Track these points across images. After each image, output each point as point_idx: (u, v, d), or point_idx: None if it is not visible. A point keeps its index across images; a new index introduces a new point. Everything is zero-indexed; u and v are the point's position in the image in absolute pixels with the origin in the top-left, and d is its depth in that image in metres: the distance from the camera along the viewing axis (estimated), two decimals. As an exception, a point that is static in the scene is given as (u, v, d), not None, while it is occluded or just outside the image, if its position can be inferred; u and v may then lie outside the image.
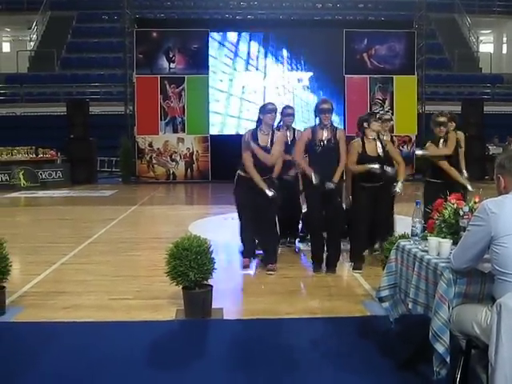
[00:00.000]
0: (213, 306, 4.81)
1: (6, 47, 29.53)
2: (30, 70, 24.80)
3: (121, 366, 3.79)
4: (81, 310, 4.97)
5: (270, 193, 5.99)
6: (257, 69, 18.00)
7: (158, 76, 17.58)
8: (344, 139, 6.18)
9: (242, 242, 6.60)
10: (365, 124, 6.34)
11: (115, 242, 8.12)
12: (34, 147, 16.61)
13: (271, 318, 4.80)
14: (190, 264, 4.53)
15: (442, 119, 6.57)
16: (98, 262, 6.82)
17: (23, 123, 20.61)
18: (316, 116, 6.23)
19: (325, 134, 6.13)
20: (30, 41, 26.24)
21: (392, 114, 17.87)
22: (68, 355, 3.98)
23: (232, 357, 4.02)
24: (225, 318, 4.79)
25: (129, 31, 18.04)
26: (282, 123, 7.34)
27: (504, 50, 30.36)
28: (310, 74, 17.98)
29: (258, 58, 18.00)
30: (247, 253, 6.58)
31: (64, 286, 5.75)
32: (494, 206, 2.87)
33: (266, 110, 6.18)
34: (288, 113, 7.45)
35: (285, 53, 18.05)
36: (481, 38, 29.50)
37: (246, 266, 6.48)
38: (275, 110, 6.26)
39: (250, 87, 17.79)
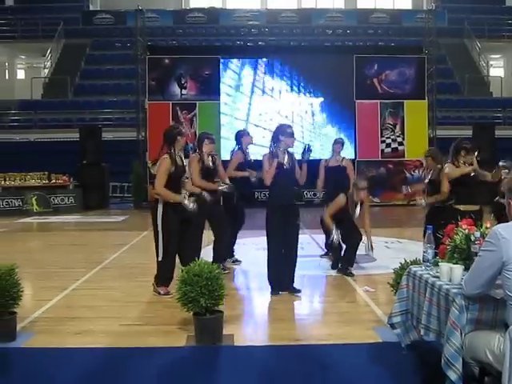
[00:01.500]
0: (224, 332, 4.80)
1: (21, 74, 29.93)
2: (43, 97, 25.11)
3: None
4: (91, 335, 4.96)
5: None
6: (269, 95, 18.09)
7: (170, 102, 17.73)
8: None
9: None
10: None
11: (126, 267, 8.13)
12: (46, 173, 16.74)
13: (282, 345, 4.76)
14: (201, 290, 4.52)
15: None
16: (109, 288, 6.82)
17: (36, 149, 20.79)
18: (276, 140, 6.30)
19: (286, 158, 6.28)
20: (45, 68, 26.60)
21: (403, 138, 17.91)
22: (79, 381, 3.98)
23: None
24: (235, 344, 4.77)
25: (141, 58, 18.26)
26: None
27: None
28: (322, 99, 18.07)
29: (269, 84, 18.11)
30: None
31: (75, 311, 5.75)
32: (505, 231, 2.86)
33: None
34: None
35: (296, 79, 18.16)
36: (491, 62, 29.56)
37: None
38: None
39: (264, 114, 17.86)
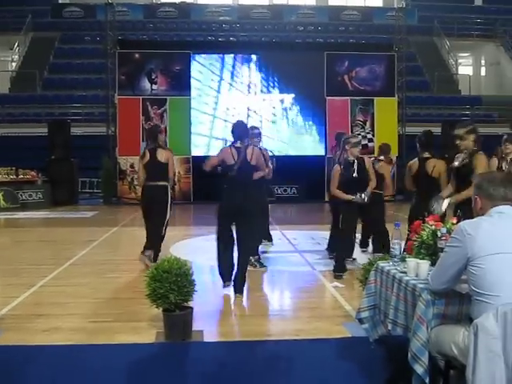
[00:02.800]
0: (193, 329, 4.79)
1: (-12, 68, 29.41)
2: (11, 91, 24.70)
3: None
4: (60, 332, 4.91)
5: None
6: (239, 91, 18.11)
7: (140, 97, 17.62)
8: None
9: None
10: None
11: (96, 263, 8.06)
12: (14, 168, 16.49)
13: (251, 340, 4.78)
14: (170, 286, 4.51)
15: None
16: (78, 284, 6.75)
17: (4, 144, 20.46)
18: (243, 138, 6.23)
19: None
20: (12, 61, 26.18)
21: (373, 135, 18.07)
22: (47, 379, 3.93)
23: (212, 379, 3.99)
24: (205, 340, 4.77)
25: (111, 52, 18.09)
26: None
27: (482, 73, 30.85)
28: (292, 95, 18.13)
29: (240, 80, 18.12)
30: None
31: (43, 308, 5.68)
32: (471, 227, 2.90)
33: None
34: (255, 133, 7.72)
35: (267, 75, 18.19)
36: (460, 60, 29.98)
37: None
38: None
39: (233, 109, 17.87)
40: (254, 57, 18.24)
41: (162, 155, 7.52)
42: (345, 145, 6.98)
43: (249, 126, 7.07)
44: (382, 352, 4.06)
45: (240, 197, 6.01)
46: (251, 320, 5.40)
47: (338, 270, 6.91)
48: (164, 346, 4.63)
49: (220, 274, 6.30)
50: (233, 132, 6.24)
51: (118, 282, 6.97)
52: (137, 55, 17.83)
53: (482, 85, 29.42)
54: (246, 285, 6.26)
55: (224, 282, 6.26)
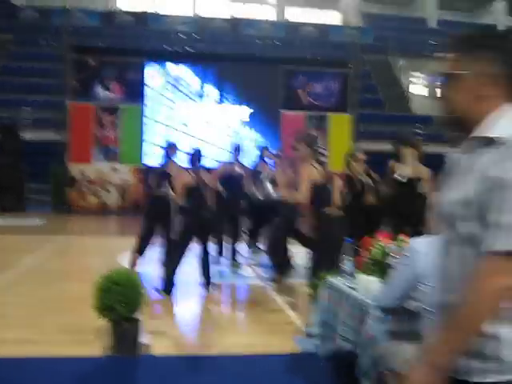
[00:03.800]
0: (141, 341, 4.70)
1: None
2: (-40, 93, 24.00)
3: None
4: (3, 345, 4.74)
5: None
6: (194, 101, 18.06)
7: (94, 104, 17.37)
8: None
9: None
10: None
11: (42, 273, 7.86)
12: (-41, 173, 16.01)
13: (200, 355, 4.72)
14: (118, 298, 4.42)
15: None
16: (23, 294, 6.56)
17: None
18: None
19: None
20: (-38, 63, 25.48)
21: (324, 150, 18.24)
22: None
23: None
24: (154, 353, 4.68)
25: (66, 58, 17.80)
26: None
27: (437, 93, 31.57)
28: (247, 108, 18.17)
29: (195, 90, 18.08)
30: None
31: (-16, 318, 5.49)
32: (420, 245, 2.93)
33: None
34: None
35: (223, 87, 18.20)
36: (413, 79, 30.65)
37: None
38: None
39: (186, 119, 17.80)
40: (210, 68, 18.23)
41: None
42: None
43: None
44: (331, 367, 4.06)
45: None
46: (201, 333, 5.34)
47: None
48: (111, 360, 4.53)
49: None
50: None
51: (66, 292, 6.80)
52: (92, 62, 17.59)
53: (434, 104, 30.10)
54: (197, 297, 6.21)
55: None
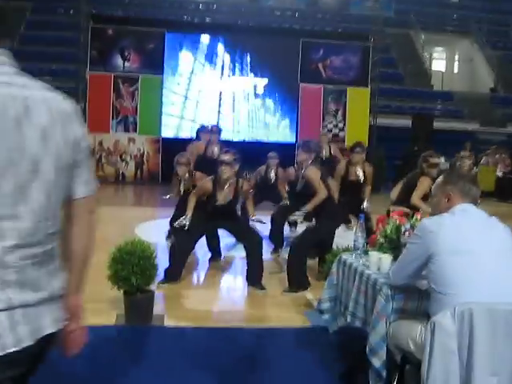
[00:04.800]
0: (154, 312, 4.76)
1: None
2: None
3: (56, 371, 3.70)
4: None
5: None
6: (213, 72, 17.97)
7: (112, 74, 17.34)
8: None
9: None
10: None
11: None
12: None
13: (212, 327, 4.78)
14: (133, 269, 4.47)
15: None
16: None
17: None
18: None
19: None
20: (-20, 30, 25.51)
21: (344, 124, 18.15)
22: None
23: (172, 364, 3.98)
24: (166, 324, 4.74)
25: (84, 27, 17.76)
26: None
27: (455, 69, 31.17)
28: (266, 80, 18.06)
29: (214, 61, 17.98)
30: None
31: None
32: (433, 224, 2.92)
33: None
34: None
35: (241, 58, 18.07)
36: (434, 55, 30.22)
37: None
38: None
39: (206, 91, 17.75)
40: (228, 39, 18.09)
41: None
42: None
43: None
44: (341, 343, 4.10)
45: None
46: (212, 306, 5.40)
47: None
48: (124, 329, 4.60)
49: None
50: None
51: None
52: (110, 31, 17.52)
53: (454, 80, 29.73)
54: (206, 272, 6.26)
55: None
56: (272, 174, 8.43)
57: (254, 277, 5.93)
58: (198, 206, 6.00)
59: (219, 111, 17.44)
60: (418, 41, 28.04)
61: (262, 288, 5.87)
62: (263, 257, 6.08)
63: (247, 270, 6.02)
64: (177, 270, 5.90)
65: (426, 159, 6.26)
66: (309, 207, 6.03)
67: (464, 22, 28.65)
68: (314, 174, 6.17)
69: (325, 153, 10.21)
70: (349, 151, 8.19)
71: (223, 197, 5.97)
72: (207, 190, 6.02)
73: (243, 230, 6.07)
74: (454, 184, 3.07)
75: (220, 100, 17.57)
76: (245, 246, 6.11)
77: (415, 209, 5.80)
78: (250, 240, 6.03)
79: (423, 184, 6.07)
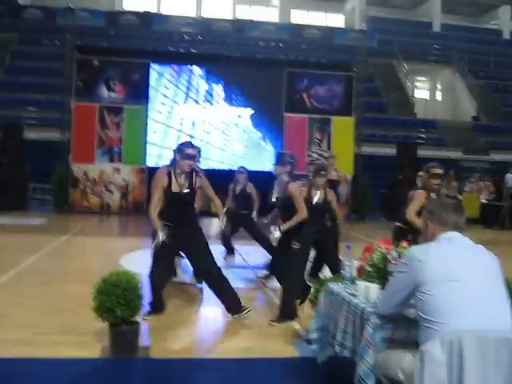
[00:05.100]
0: (140, 344, 4.69)
1: None
2: (-37, 91, 24.05)
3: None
4: (1, 344, 4.73)
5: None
6: (197, 102, 18.06)
7: (97, 104, 17.40)
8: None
9: None
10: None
11: (43, 273, 7.85)
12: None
13: (198, 358, 4.71)
14: (118, 300, 4.41)
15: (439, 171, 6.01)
16: (23, 295, 6.55)
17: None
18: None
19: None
20: (-34, 61, 25.55)
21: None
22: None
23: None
24: (152, 356, 4.67)
25: (70, 57, 17.84)
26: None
27: (438, 97, 31.62)
28: (251, 110, 18.17)
29: (198, 92, 18.09)
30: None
31: (-16, 318, 5.49)
32: (420, 252, 2.92)
33: (184, 155, 5.64)
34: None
35: (226, 88, 18.19)
36: (416, 84, 30.67)
37: None
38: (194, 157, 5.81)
39: (189, 120, 17.82)
40: (213, 69, 18.23)
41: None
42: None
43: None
44: (329, 374, 4.05)
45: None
46: (199, 337, 5.34)
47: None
48: (109, 362, 4.52)
49: None
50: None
51: (65, 293, 6.80)
52: (95, 62, 17.61)
53: (437, 109, 30.13)
54: (191, 302, 6.19)
55: None
56: (238, 188, 9.04)
57: (233, 306, 5.85)
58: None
59: (203, 141, 17.45)
60: (401, 70, 28.46)
61: (245, 309, 5.77)
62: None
63: (221, 301, 5.89)
64: (159, 301, 5.82)
65: (428, 169, 6.04)
66: (285, 227, 6.00)
67: (446, 51, 29.17)
68: (297, 190, 6.14)
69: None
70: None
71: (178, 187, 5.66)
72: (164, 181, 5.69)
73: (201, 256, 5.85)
74: (432, 213, 3.10)
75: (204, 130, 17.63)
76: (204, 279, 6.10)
77: (410, 225, 5.78)
78: (207, 273, 5.92)
79: (418, 198, 5.85)
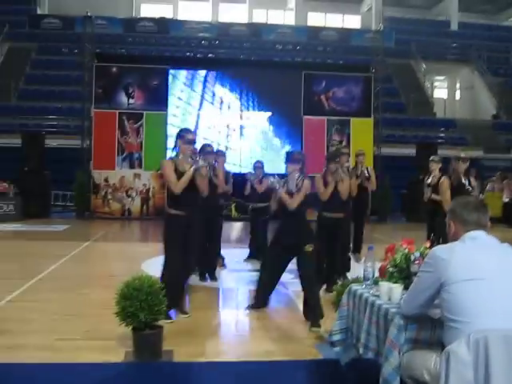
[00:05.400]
0: (163, 348, 4.70)
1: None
2: (-15, 101, 24.36)
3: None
4: (25, 350, 4.78)
5: None
6: (216, 107, 18.11)
7: (117, 111, 17.52)
8: None
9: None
10: None
11: (65, 279, 7.92)
12: (-15, 179, 16.23)
13: (222, 361, 4.71)
14: (141, 305, 4.43)
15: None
16: (47, 300, 6.61)
17: (-24, 154, 20.14)
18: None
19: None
20: (-13, 71, 25.87)
21: (349, 155, 18.16)
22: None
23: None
24: (175, 360, 4.68)
25: (88, 65, 18.00)
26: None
27: (457, 96, 31.35)
28: (269, 113, 18.18)
29: (217, 96, 18.14)
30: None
31: (8, 324, 5.53)
32: (444, 252, 2.89)
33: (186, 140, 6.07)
34: (207, 151, 7.70)
35: (245, 93, 18.23)
36: (435, 83, 30.43)
37: None
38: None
39: (208, 125, 17.88)
40: (231, 74, 18.28)
41: None
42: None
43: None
44: (353, 376, 4.03)
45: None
46: (222, 340, 5.33)
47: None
48: (133, 366, 4.54)
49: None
50: None
51: (88, 298, 6.85)
52: (114, 69, 17.75)
53: (456, 108, 29.88)
54: (215, 305, 6.19)
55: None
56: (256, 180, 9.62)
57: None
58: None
59: (224, 145, 17.49)
60: (419, 70, 28.26)
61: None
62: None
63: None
64: (179, 300, 5.90)
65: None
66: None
67: (464, 50, 28.91)
68: (309, 186, 6.21)
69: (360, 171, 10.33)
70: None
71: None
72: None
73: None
74: (454, 212, 3.07)
75: (227, 135, 17.68)
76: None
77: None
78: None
79: (443, 185, 7.37)
